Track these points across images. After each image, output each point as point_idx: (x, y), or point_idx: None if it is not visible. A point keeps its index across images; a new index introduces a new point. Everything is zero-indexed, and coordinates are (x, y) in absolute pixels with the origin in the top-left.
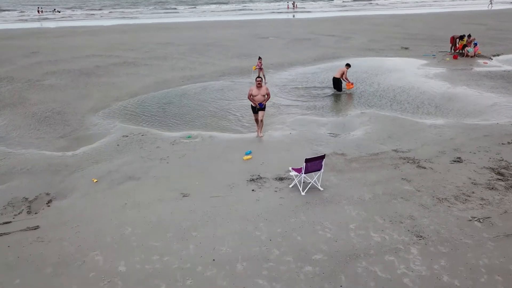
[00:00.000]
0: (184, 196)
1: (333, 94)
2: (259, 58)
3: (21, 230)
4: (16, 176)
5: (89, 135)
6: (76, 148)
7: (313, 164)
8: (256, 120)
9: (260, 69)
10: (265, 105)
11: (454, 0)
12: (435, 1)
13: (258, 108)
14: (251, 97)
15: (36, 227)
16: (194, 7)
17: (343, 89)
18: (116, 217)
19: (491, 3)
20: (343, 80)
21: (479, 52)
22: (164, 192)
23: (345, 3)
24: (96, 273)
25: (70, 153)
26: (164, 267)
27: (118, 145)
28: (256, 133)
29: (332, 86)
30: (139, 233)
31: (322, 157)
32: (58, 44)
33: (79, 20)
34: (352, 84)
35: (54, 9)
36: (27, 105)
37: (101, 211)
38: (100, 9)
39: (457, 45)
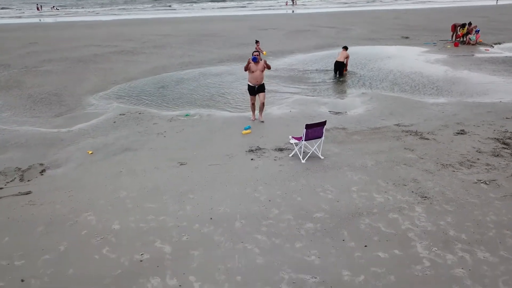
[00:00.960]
0: (181, 164)
1: (333, 78)
2: (257, 41)
3: (12, 195)
4: (10, 149)
5: (86, 114)
6: (72, 126)
7: (314, 130)
8: (253, 105)
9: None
10: (264, 86)
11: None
12: None
13: (256, 88)
14: (245, 70)
15: (28, 192)
16: (191, 5)
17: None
18: (110, 183)
19: None
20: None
21: (481, 40)
22: (161, 162)
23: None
24: (89, 231)
25: (65, 130)
26: (159, 226)
27: (114, 122)
28: (251, 116)
29: (333, 70)
30: (134, 196)
31: (323, 123)
32: (56, 36)
33: (78, 16)
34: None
35: (53, 6)
36: (23, 88)
37: (96, 178)
38: (101, 7)
39: (458, 33)
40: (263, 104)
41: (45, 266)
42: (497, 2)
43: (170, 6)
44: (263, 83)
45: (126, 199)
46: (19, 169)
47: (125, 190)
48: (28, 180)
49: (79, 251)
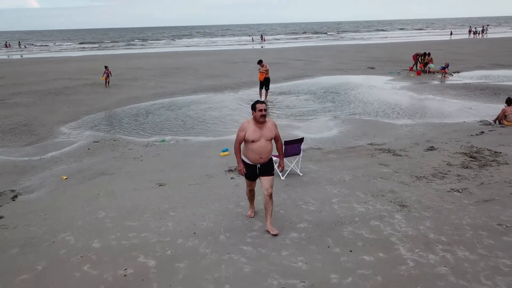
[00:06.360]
0: (160, 185)
1: (304, 105)
2: (106, 67)
3: None
4: None
5: (58, 143)
6: (44, 154)
7: (292, 147)
8: (251, 192)
9: (108, 76)
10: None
11: (416, 36)
12: (398, 36)
13: (259, 168)
14: (239, 145)
15: (0, 217)
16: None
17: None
18: (88, 205)
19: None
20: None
21: (446, 76)
22: (139, 183)
23: (309, 35)
24: (68, 250)
25: (37, 158)
26: (142, 242)
27: (88, 149)
28: (248, 211)
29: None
30: (113, 216)
31: (301, 140)
32: (25, 71)
33: (46, 52)
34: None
35: (19, 42)
36: None
37: (72, 201)
38: (69, 43)
39: (420, 62)
40: (270, 197)
41: (22, 285)
42: (450, 36)
43: (134, 44)
44: (271, 160)
45: (106, 219)
46: None
47: (104, 211)
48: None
49: (58, 270)
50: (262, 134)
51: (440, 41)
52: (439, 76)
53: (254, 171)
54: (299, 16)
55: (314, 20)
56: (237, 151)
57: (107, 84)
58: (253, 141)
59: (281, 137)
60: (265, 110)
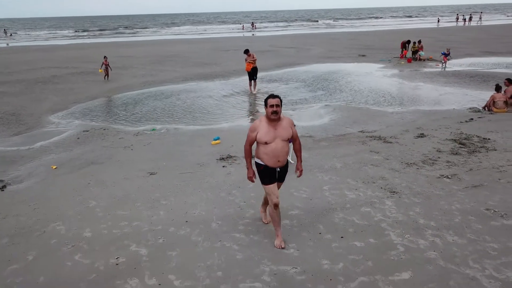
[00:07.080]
0: (151, 174)
1: (295, 93)
2: (104, 57)
3: None
4: None
5: (47, 132)
6: (33, 144)
7: None
8: (277, 215)
9: (107, 68)
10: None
11: (408, 23)
12: (388, 24)
13: (278, 172)
14: (250, 147)
15: None
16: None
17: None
18: (78, 194)
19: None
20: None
21: (437, 64)
22: (130, 172)
23: (301, 23)
24: (58, 240)
25: (25, 147)
26: (133, 231)
27: (78, 138)
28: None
29: (251, 76)
30: (104, 205)
31: None
32: (12, 59)
33: (33, 41)
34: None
35: (5, 30)
36: None
37: (62, 190)
38: (57, 31)
39: (406, 49)
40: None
41: (13, 275)
42: (438, 24)
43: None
44: (287, 163)
45: (96, 208)
46: None
47: (95, 200)
48: None
49: (49, 259)
50: (276, 134)
51: (428, 28)
52: (431, 63)
53: (274, 174)
54: (290, 3)
55: (305, 8)
56: (247, 154)
57: (106, 77)
58: (266, 143)
59: None
60: (277, 105)
